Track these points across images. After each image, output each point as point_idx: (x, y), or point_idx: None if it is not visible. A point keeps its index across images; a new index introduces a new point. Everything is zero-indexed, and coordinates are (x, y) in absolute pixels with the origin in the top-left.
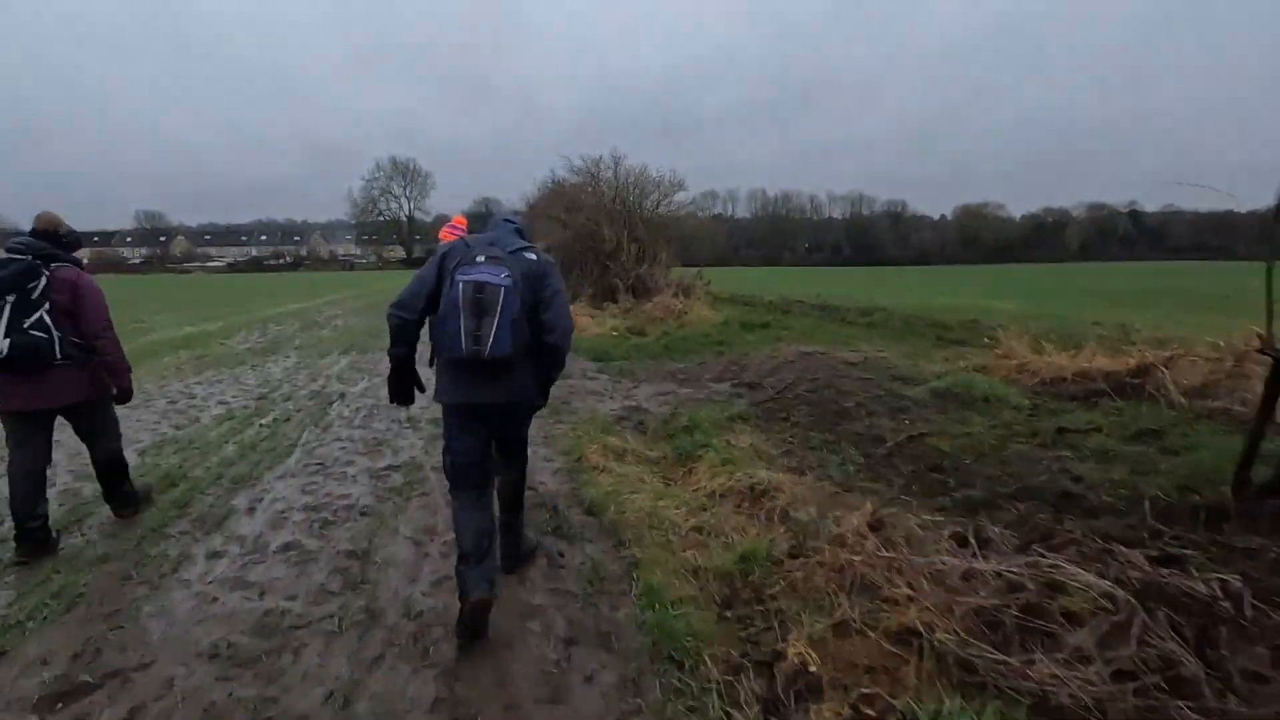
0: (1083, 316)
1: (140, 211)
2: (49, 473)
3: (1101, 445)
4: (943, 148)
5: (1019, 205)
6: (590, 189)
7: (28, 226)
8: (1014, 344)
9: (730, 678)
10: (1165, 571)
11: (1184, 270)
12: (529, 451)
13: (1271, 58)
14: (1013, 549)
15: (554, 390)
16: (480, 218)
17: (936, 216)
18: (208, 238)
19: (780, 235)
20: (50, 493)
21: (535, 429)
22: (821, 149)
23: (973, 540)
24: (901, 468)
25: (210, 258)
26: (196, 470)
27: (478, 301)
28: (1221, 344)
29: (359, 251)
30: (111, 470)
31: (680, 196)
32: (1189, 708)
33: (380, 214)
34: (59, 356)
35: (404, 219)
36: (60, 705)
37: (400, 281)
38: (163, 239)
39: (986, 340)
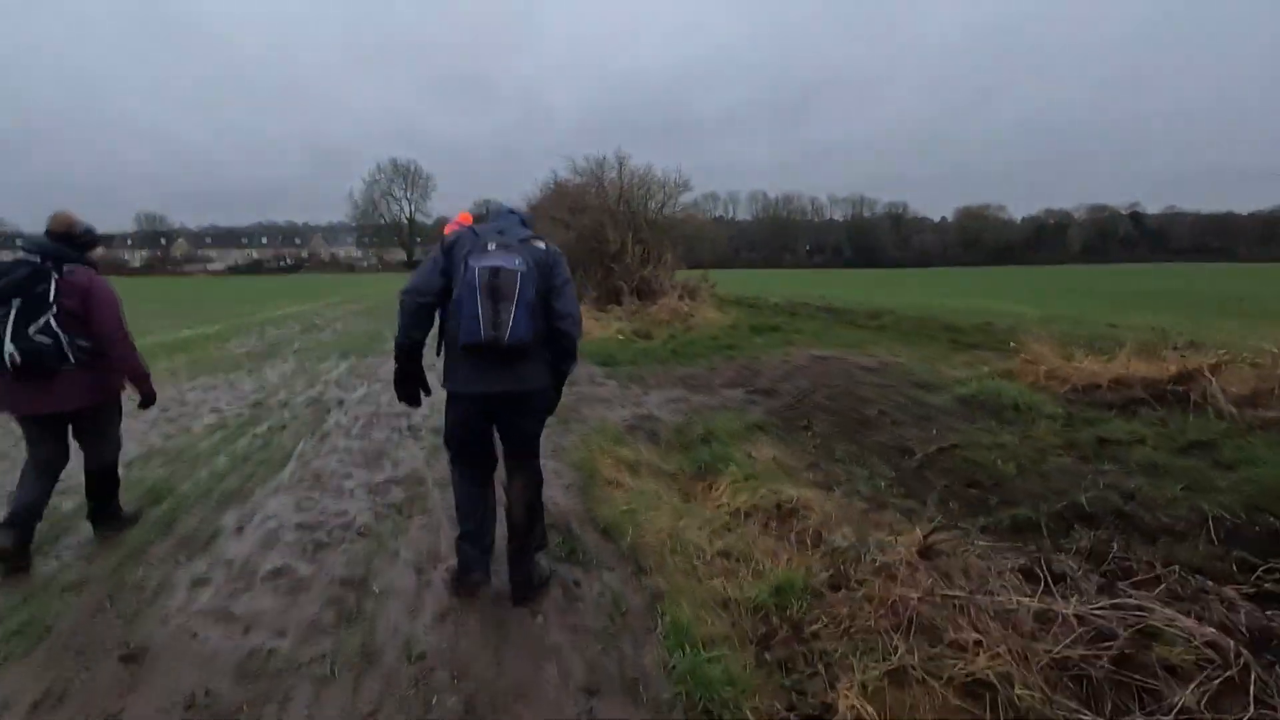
0: (1096, 319)
1: (141, 213)
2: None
3: (1148, 458)
4: (944, 149)
5: (1020, 207)
6: (594, 190)
7: (28, 228)
8: (1040, 349)
9: None
10: (1273, 614)
11: (1187, 272)
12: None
13: (1273, 59)
14: (1094, 587)
15: (561, 400)
16: (482, 220)
17: (937, 218)
18: (208, 240)
19: (781, 237)
20: None
21: (544, 441)
22: (823, 150)
23: (1044, 574)
24: (935, 482)
25: (211, 260)
26: (184, 485)
27: (495, 287)
28: (1276, 350)
29: (360, 254)
30: (103, 483)
31: (685, 197)
32: None
33: (381, 216)
34: (69, 361)
35: (405, 221)
36: None
37: (401, 284)
38: (163, 241)
39: (1012, 345)
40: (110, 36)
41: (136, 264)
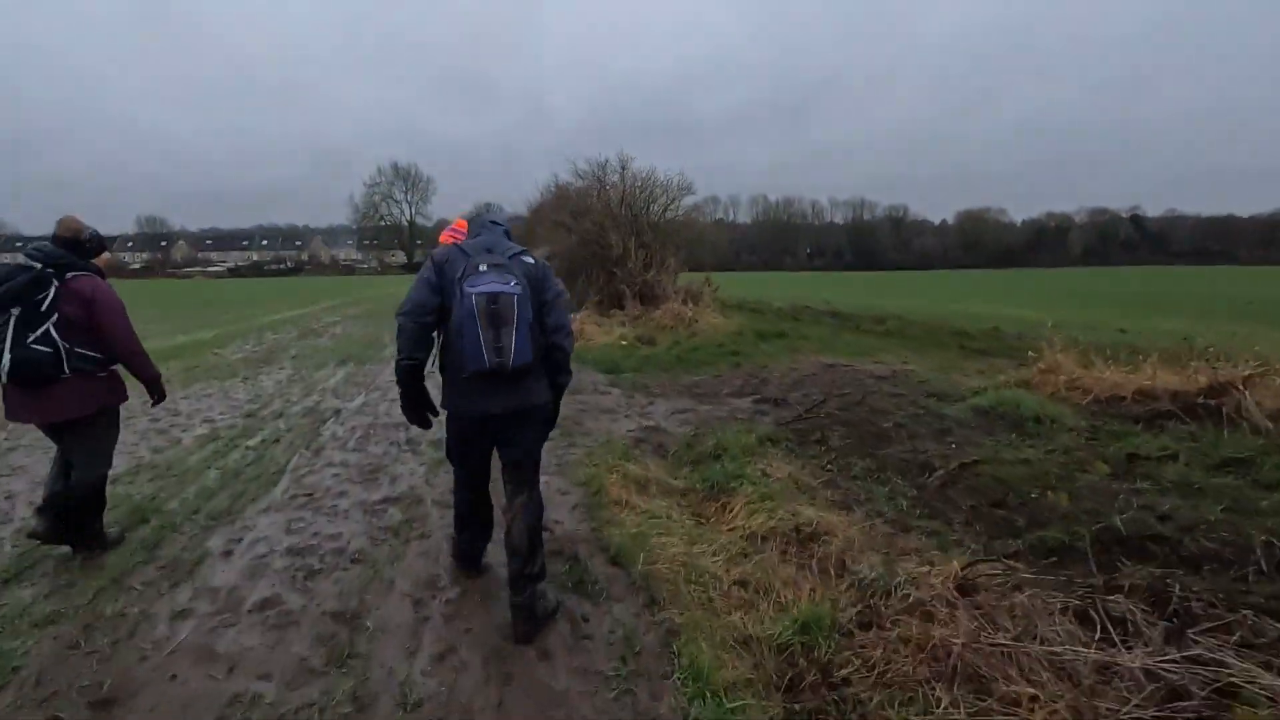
0: (1106, 324)
1: (141, 216)
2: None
3: (1183, 476)
4: (944, 151)
5: (1020, 210)
6: (596, 193)
7: (29, 232)
8: (1058, 358)
9: None
10: None
11: (1189, 275)
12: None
13: (1273, 61)
14: (1160, 635)
15: (565, 409)
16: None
17: (937, 221)
18: (209, 242)
19: (782, 240)
20: (4, 530)
21: (547, 455)
22: (823, 152)
23: (1100, 618)
24: (959, 502)
25: (211, 262)
26: (171, 503)
27: (494, 313)
28: None
29: (360, 256)
30: (86, 499)
31: (688, 200)
32: None
33: (381, 219)
34: (66, 371)
35: (405, 224)
36: None
37: (401, 287)
38: (163, 244)
39: (1031, 354)
40: (110, 38)
41: (136, 266)
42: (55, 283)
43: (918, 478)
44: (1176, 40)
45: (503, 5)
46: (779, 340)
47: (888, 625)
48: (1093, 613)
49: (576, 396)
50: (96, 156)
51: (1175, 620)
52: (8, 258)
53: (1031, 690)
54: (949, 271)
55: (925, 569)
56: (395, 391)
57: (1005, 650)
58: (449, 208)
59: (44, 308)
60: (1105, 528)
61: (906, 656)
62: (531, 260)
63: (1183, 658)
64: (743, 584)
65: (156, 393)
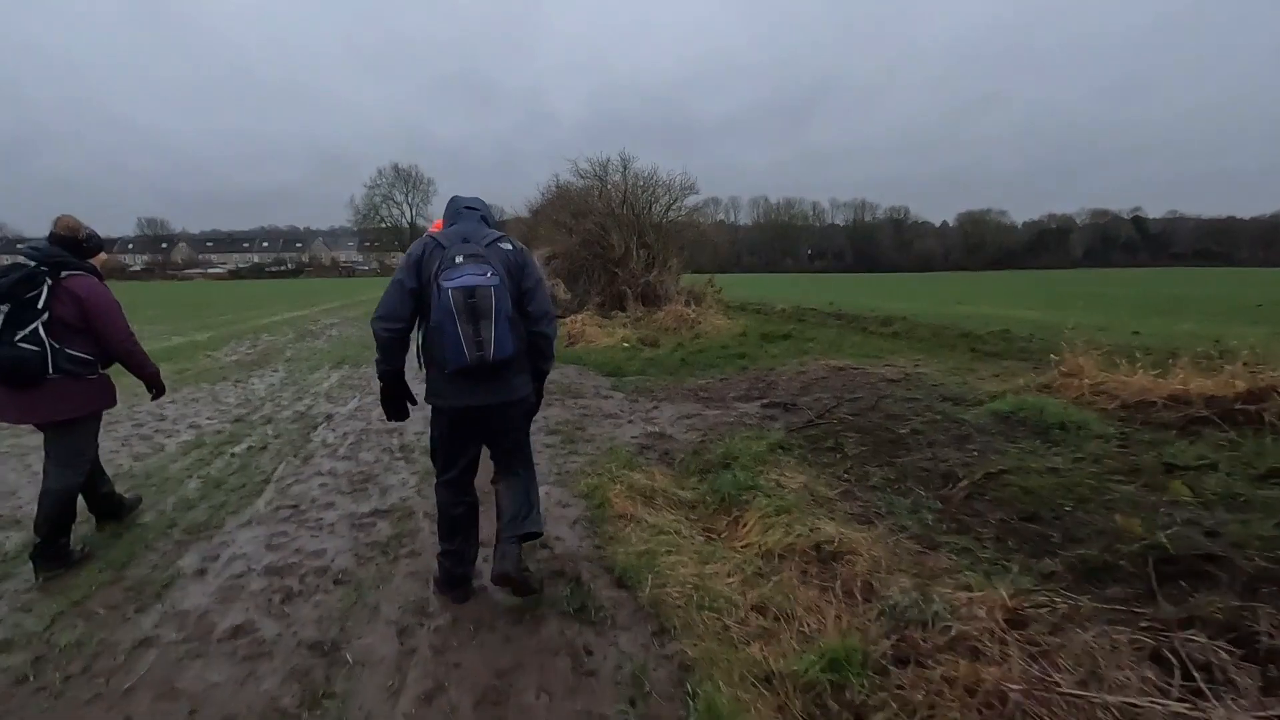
0: (1117, 325)
1: (142, 218)
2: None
3: (1226, 488)
4: (945, 153)
5: (1021, 212)
6: (598, 193)
7: (31, 233)
8: (1081, 360)
9: None
10: None
11: (1192, 276)
12: (541, 493)
13: (1275, 62)
14: (1254, 685)
15: (567, 414)
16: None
17: (938, 223)
18: (210, 244)
19: (782, 242)
20: None
21: (548, 465)
22: (824, 155)
23: (1178, 660)
24: (988, 515)
25: (212, 264)
26: (147, 515)
27: (471, 307)
28: None
29: (361, 258)
30: (59, 512)
31: (691, 200)
32: None
33: (382, 220)
34: (50, 371)
35: (406, 225)
36: None
37: None
38: (164, 245)
39: (1053, 357)
40: (111, 39)
41: (137, 268)
42: (48, 281)
43: (940, 488)
44: (1177, 41)
45: (504, 7)
46: (785, 342)
47: (928, 662)
48: (1168, 654)
49: (578, 401)
50: (97, 158)
51: (1264, 663)
52: (7, 259)
53: None
54: (950, 273)
55: (964, 595)
56: None
57: (1072, 700)
58: None
59: (34, 306)
60: (1150, 545)
61: (953, 701)
62: (509, 246)
63: None
64: (761, 610)
65: (156, 387)
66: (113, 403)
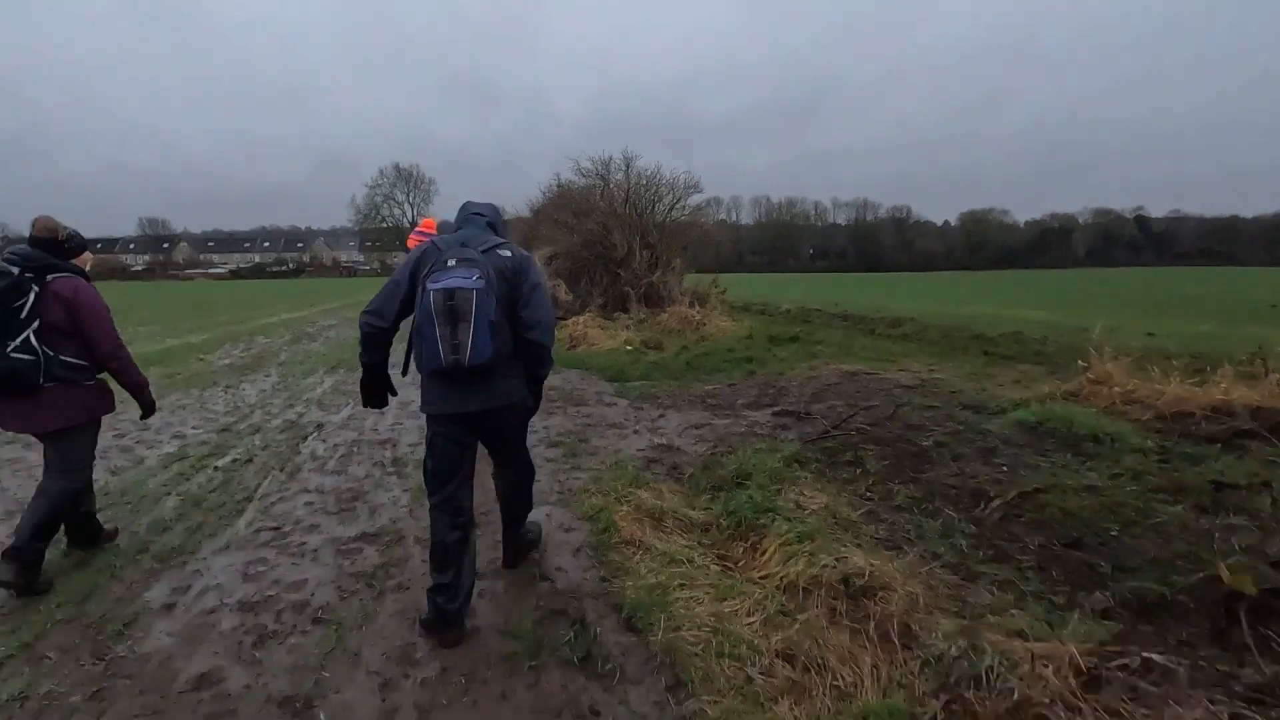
0: (1130, 327)
1: (143, 218)
2: None
3: None
4: (947, 153)
5: (1023, 211)
6: (600, 192)
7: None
8: (1110, 367)
9: None
10: None
11: (1197, 276)
12: (535, 499)
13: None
14: None
15: (569, 423)
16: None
17: (940, 222)
18: (211, 244)
19: (784, 241)
20: None
21: (549, 482)
22: (826, 155)
23: None
24: (1026, 541)
25: (213, 264)
26: (119, 537)
27: (450, 309)
28: None
29: (362, 258)
30: (47, 517)
31: (695, 199)
32: None
33: (383, 220)
34: (43, 380)
35: (407, 225)
36: None
37: None
38: (165, 245)
39: (1081, 364)
40: (113, 40)
41: (139, 268)
42: (34, 287)
43: (971, 509)
44: (1181, 41)
45: (505, 7)
46: (793, 345)
47: None
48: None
49: (581, 409)
50: (99, 158)
51: None
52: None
53: None
54: (953, 273)
55: (1021, 645)
56: None
57: None
58: (451, 209)
59: (24, 314)
60: (1208, 577)
61: None
62: (508, 253)
63: None
64: (788, 657)
65: (144, 402)
66: (110, 408)
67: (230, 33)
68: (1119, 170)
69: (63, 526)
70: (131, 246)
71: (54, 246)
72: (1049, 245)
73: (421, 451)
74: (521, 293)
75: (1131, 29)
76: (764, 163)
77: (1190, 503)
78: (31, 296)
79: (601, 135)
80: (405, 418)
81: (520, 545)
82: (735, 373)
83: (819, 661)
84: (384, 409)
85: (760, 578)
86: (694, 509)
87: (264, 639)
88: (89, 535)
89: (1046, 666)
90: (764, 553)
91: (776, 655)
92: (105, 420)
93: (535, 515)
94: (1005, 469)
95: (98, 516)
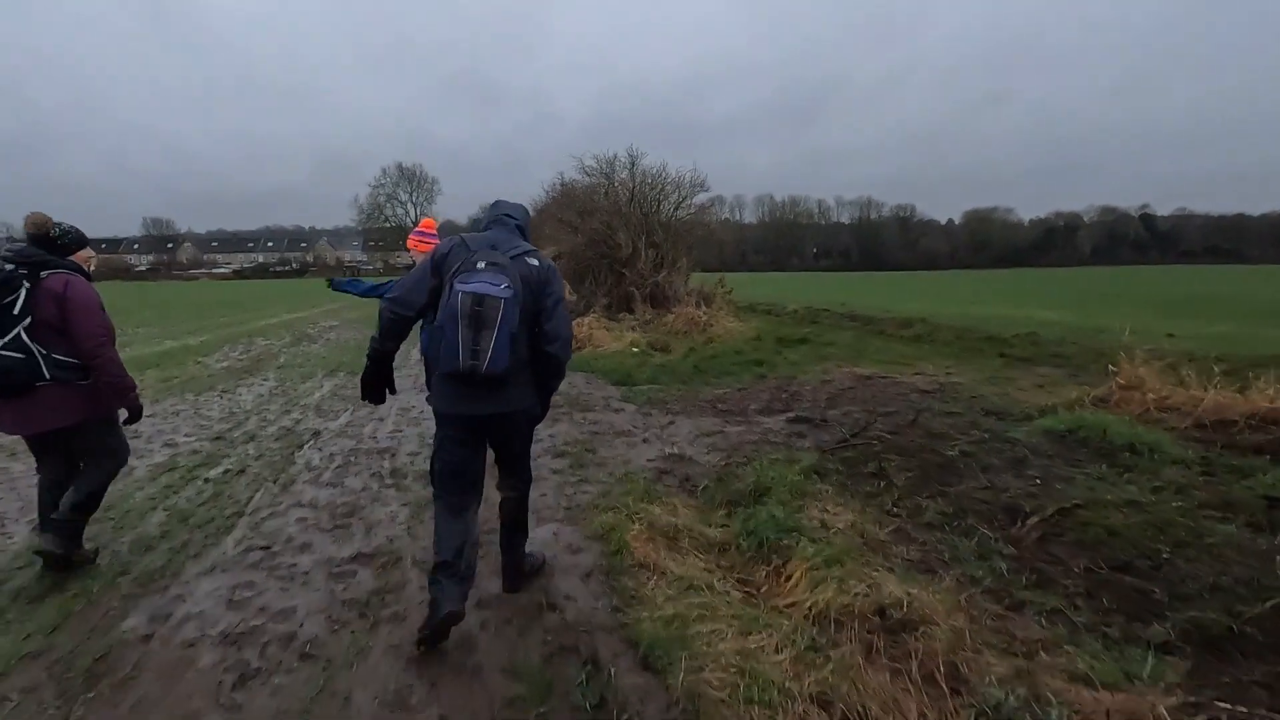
0: (1148, 328)
1: (147, 218)
2: None
3: None
4: (952, 152)
5: (1028, 209)
6: (604, 190)
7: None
8: (1142, 372)
9: None
10: None
11: (1206, 274)
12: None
13: None
14: None
15: (575, 431)
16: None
17: (944, 221)
18: (215, 244)
19: (788, 240)
20: None
21: (555, 495)
22: (830, 154)
23: None
24: (1070, 563)
25: (217, 264)
26: (103, 557)
27: (476, 315)
28: None
29: (365, 258)
30: (88, 498)
31: (701, 198)
32: None
33: (386, 220)
34: (45, 377)
35: (410, 225)
36: None
37: None
38: (169, 245)
39: (1111, 368)
40: (116, 40)
41: (143, 268)
42: (26, 284)
43: (1006, 526)
44: (1187, 38)
45: (508, 7)
46: (803, 347)
47: None
48: None
49: (587, 415)
50: (103, 158)
51: None
52: None
53: None
54: (958, 271)
55: (1089, 695)
56: (383, 410)
57: None
58: (454, 208)
59: (14, 310)
60: (1278, 607)
61: None
62: (536, 263)
63: None
64: (823, 703)
65: (129, 407)
66: (109, 409)
67: (232, 32)
68: (1124, 168)
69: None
70: (136, 247)
71: (47, 243)
72: (1054, 244)
73: (421, 461)
74: (545, 305)
75: (1137, 25)
76: (767, 161)
77: (1243, 520)
78: (23, 293)
79: (604, 135)
80: (405, 424)
81: (522, 566)
82: (745, 376)
83: (859, 709)
84: (384, 417)
85: (786, 606)
86: (710, 526)
87: (245, 678)
88: (66, 556)
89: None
90: (789, 578)
91: (810, 700)
92: None
93: (541, 533)
94: (1038, 482)
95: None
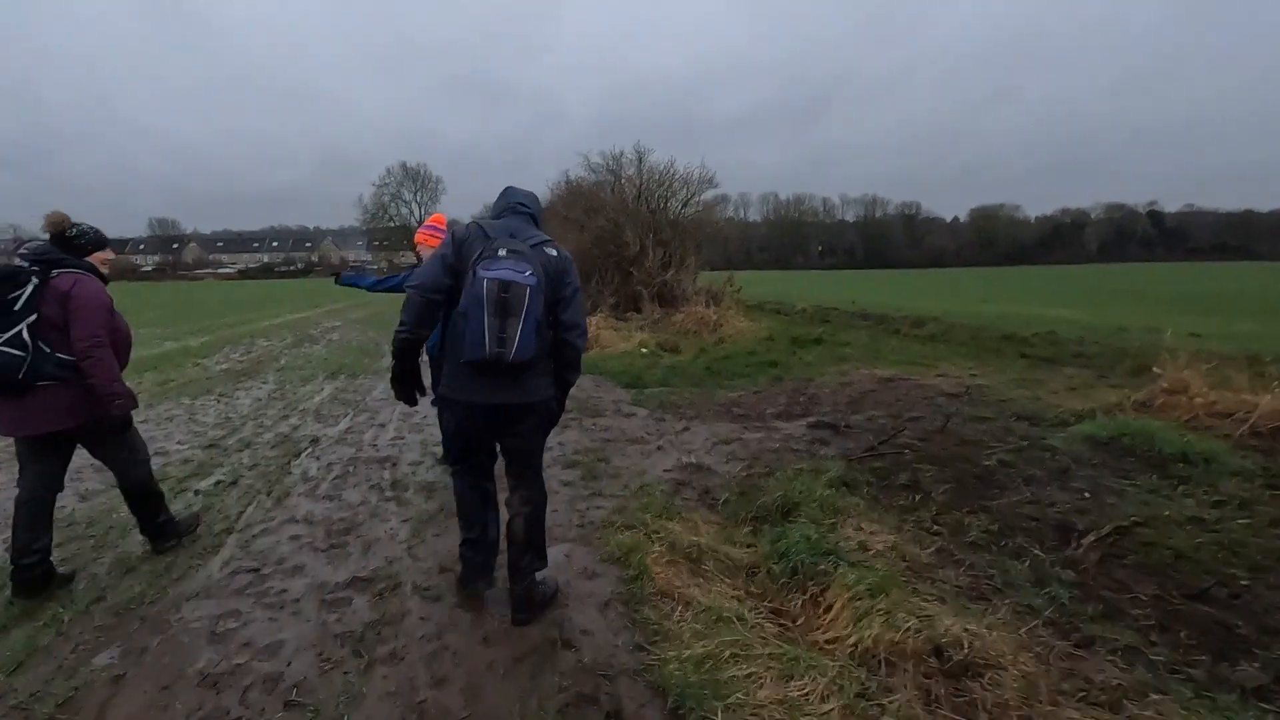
0: (1170, 326)
1: (153, 218)
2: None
3: None
4: (958, 149)
5: (1034, 207)
6: (611, 188)
7: (47, 236)
8: (1186, 374)
9: None
10: None
11: (1217, 271)
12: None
13: None
14: None
15: (586, 439)
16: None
17: (949, 219)
18: (220, 244)
19: (793, 238)
20: None
21: (567, 511)
22: (835, 152)
23: None
24: (1138, 590)
25: (222, 264)
26: (79, 580)
27: (503, 301)
28: None
29: (370, 257)
30: (142, 499)
31: (709, 195)
32: None
33: (391, 220)
34: (40, 377)
35: (414, 224)
36: None
37: None
38: (175, 246)
39: (1155, 370)
40: (122, 41)
41: (149, 268)
42: (34, 280)
43: (1060, 546)
44: (1191, 35)
45: (512, 7)
46: (817, 347)
47: None
48: None
49: (598, 421)
50: (110, 159)
51: None
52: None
53: None
54: (964, 269)
55: None
56: (384, 415)
57: None
58: (458, 207)
59: (18, 307)
60: None
61: None
62: (554, 252)
63: None
64: None
65: (113, 414)
66: (130, 407)
67: (240, 33)
68: (1131, 164)
69: (12, 569)
70: (141, 247)
71: (63, 242)
72: (1061, 241)
73: (424, 471)
74: (563, 295)
75: (1143, 21)
76: (772, 160)
77: None
78: (29, 289)
79: (609, 134)
80: (407, 431)
81: (534, 595)
82: (760, 378)
83: None
84: (386, 423)
85: (827, 642)
86: (735, 545)
87: None
88: (39, 580)
89: None
90: (828, 608)
91: None
92: None
93: (553, 555)
94: (1086, 495)
95: (54, 554)
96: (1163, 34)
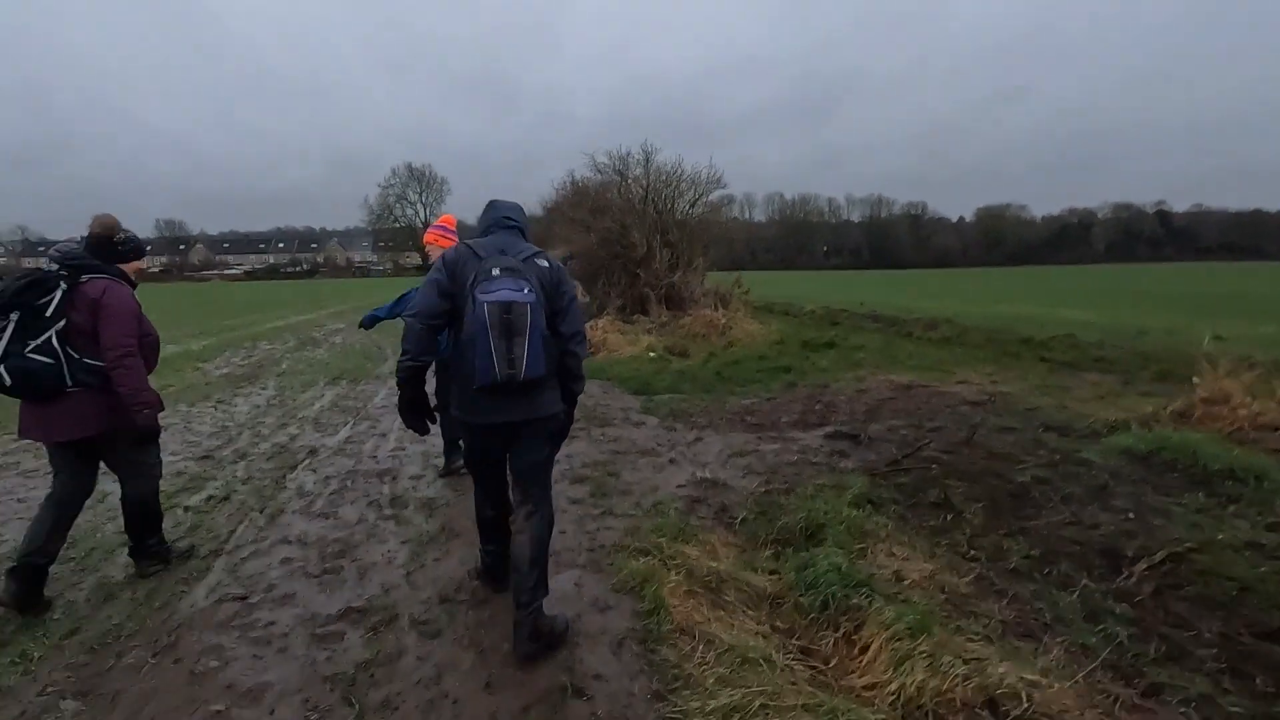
0: (1191, 329)
1: (160, 219)
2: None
3: None
4: (964, 148)
5: (1041, 206)
6: (617, 188)
7: (55, 236)
8: (1226, 384)
9: None
10: None
11: (1228, 271)
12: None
13: None
14: None
15: (594, 451)
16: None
17: (956, 219)
18: (227, 245)
19: (798, 239)
20: None
21: (575, 533)
22: (840, 151)
23: None
24: (1201, 628)
25: (228, 265)
26: (55, 610)
27: (507, 323)
28: None
29: (375, 258)
30: (140, 517)
31: (716, 195)
32: None
33: (396, 220)
34: (69, 384)
35: (420, 225)
36: None
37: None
38: (182, 247)
39: (1195, 380)
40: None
41: (155, 270)
42: (63, 286)
43: (1109, 575)
44: (1203, 33)
45: (520, 6)
46: (830, 351)
47: None
48: None
49: (606, 431)
50: (117, 160)
51: None
52: (30, 262)
53: None
54: (971, 269)
55: None
56: (385, 424)
57: None
58: (463, 208)
59: (48, 314)
60: None
61: None
62: (546, 263)
63: None
64: None
65: (140, 424)
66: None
67: (247, 33)
68: (1139, 164)
69: (12, 567)
70: (149, 248)
71: (106, 246)
72: (1068, 241)
73: (424, 486)
74: (560, 306)
75: (1151, 20)
76: (777, 159)
77: None
78: (58, 295)
79: (616, 133)
80: (408, 441)
81: (540, 625)
82: (773, 384)
83: None
84: (386, 433)
85: (865, 689)
86: (756, 571)
87: None
88: (32, 580)
89: None
90: (864, 649)
91: None
92: None
93: (562, 582)
94: (1130, 516)
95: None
96: (1171, 31)
